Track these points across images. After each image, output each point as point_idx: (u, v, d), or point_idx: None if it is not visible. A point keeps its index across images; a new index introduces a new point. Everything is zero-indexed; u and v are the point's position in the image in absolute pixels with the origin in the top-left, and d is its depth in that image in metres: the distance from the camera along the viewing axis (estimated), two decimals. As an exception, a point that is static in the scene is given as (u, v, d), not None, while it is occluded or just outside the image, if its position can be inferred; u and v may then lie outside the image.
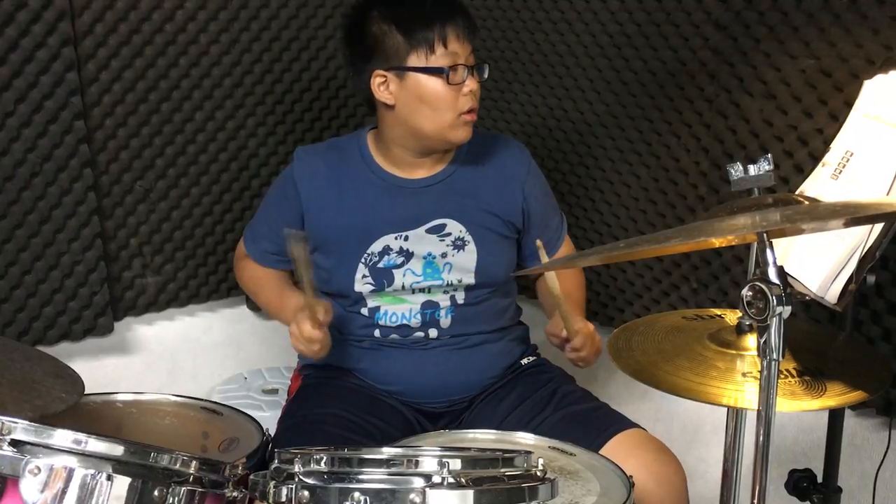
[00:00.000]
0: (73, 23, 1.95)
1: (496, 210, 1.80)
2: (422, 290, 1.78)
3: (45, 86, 1.94)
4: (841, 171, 1.47)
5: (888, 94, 1.48)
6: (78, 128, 1.99)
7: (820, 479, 1.60)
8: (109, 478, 1.10)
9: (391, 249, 1.76)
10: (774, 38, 1.80)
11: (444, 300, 1.79)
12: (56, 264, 2.04)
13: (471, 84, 1.68)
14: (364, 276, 1.77)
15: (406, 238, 1.76)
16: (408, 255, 1.77)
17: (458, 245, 1.78)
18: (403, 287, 1.77)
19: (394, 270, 1.77)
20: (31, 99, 1.93)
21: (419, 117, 1.69)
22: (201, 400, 1.76)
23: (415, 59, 1.66)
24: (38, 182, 1.98)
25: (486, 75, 1.73)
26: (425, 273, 1.77)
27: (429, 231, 1.77)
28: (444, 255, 1.77)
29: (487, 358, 1.82)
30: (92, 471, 1.10)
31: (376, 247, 1.76)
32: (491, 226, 1.80)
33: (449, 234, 1.78)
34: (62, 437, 1.11)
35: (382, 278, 1.77)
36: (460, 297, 1.80)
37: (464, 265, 1.78)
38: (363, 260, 1.76)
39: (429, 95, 1.67)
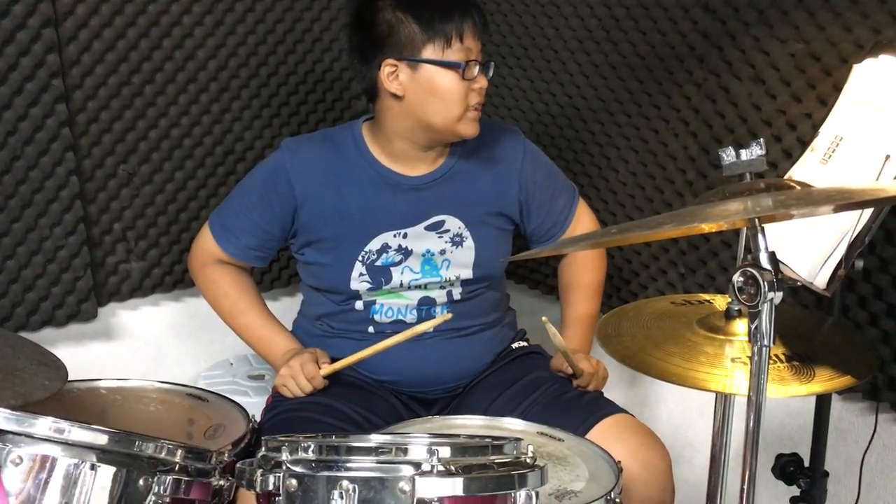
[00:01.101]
0: (54, 4, 1.91)
1: (493, 204, 1.79)
2: (419, 287, 1.76)
3: (25, 68, 1.90)
4: (830, 156, 1.46)
5: (878, 78, 1.47)
6: (59, 111, 1.96)
7: (807, 464, 1.61)
8: (93, 467, 1.09)
9: (389, 247, 1.74)
10: (763, 22, 1.79)
11: (440, 296, 1.78)
12: (39, 249, 2.01)
13: (481, 80, 1.67)
14: (361, 275, 1.74)
15: (405, 235, 1.74)
16: (406, 253, 1.75)
17: (457, 241, 1.76)
18: (401, 285, 1.75)
19: (392, 268, 1.75)
20: (11, 81, 1.89)
21: (429, 110, 1.66)
22: (186, 386, 1.75)
23: (430, 52, 1.63)
24: (20, 166, 1.95)
25: (491, 73, 1.70)
26: (423, 270, 1.75)
27: (428, 228, 1.75)
28: (442, 252, 1.76)
29: (481, 345, 1.83)
30: (76, 460, 1.09)
31: (374, 244, 1.74)
32: (488, 220, 1.79)
33: (447, 231, 1.76)
34: (45, 425, 1.10)
35: (380, 276, 1.75)
36: (456, 292, 1.79)
37: (462, 261, 1.77)
38: (360, 258, 1.74)
39: (441, 89, 1.64)
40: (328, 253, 1.76)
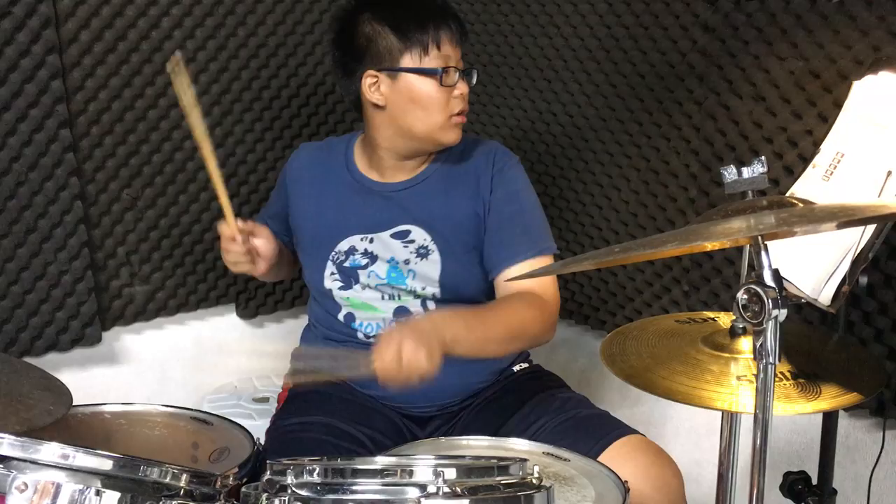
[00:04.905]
0: (57, 30, 1.93)
1: (463, 220, 1.75)
2: (391, 297, 1.76)
3: (30, 94, 1.92)
4: (832, 173, 1.47)
5: (878, 95, 1.48)
6: (63, 136, 1.97)
7: (815, 482, 1.60)
8: (98, 493, 1.08)
9: (356, 250, 1.77)
10: (763, 40, 1.80)
11: (415, 306, 1.76)
12: (43, 274, 2.02)
13: (461, 87, 1.69)
14: (332, 273, 1.79)
15: (371, 240, 1.77)
16: (372, 258, 1.77)
17: (422, 253, 1.75)
18: (370, 286, 1.75)
19: (359, 271, 1.77)
20: (16, 107, 1.91)
21: (410, 118, 1.69)
22: (191, 410, 1.74)
23: (408, 60, 1.66)
24: (24, 191, 1.96)
25: (475, 80, 1.73)
26: (389, 276, 1.76)
27: (393, 236, 1.76)
28: (406, 262, 1.75)
29: (473, 363, 1.77)
30: (80, 486, 1.08)
31: (343, 246, 1.78)
32: (459, 236, 1.75)
33: (413, 241, 1.76)
34: (49, 451, 1.09)
35: (349, 276, 1.78)
36: (432, 305, 1.77)
37: (427, 274, 1.75)
38: (331, 257, 1.78)
39: (421, 96, 1.67)
40: (306, 250, 1.83)
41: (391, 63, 1.67)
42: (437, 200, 1.76)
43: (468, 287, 1.77)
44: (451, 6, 1.74)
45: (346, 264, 1.77)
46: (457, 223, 1.76)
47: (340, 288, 1.78)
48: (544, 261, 1.71)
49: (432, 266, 1.75)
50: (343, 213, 1.78)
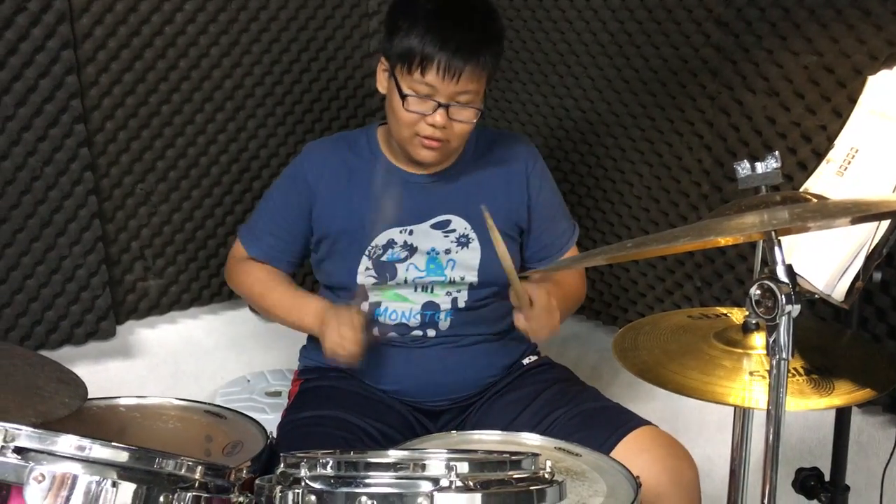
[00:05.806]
0: (72, 26, 1.94)
1: (502, 207, 1.78)
2: (424, 289, 1.77)
3: (44, 89, 1.93)
4: (847, 168, 1.46)
5: (892, 89, 1.47)
6: (78, 131, 1.98)
7: (827, 478, 1.60)
8: (114, 484, 1.10)
9: (395, 243, 1.76)
10: (776, 35, 1.79)
11: (445, 302, 1.77)
12: (57, 268, 2.03)
13: (436, 119, 1.62)
14: (367, 269, 1.76)
15: (411, 232, 1.76)
16: (412, 250, 1.76)
17: (463, 242, 1.77)
18: (406, 282, 1.75)
19: (397, 264, 1.76)
20: (31, 102, 1.92)
21: (390, 119, 1.71)
22: (204, 403, 1.75)
23: (398, 69, 1.64)
24: (39, 186, 1.97)
25: (466, 119, 1.64)
26: (428, 268, 1.76)
27: (433, 226, 1.77)
28: (447, 252, 1.76)
29: (485, 357, 1.81)
30: (97, 477, 1.09)
31: (380, 240, 1.75)
32: (497, 224, 1.77)
33: (454, 231, 1.77)
34: (66, 443, 1.10)
35: (385, 272, 1.76)
36: (462, 298, 1.78)
37: (467, 262, 1.77)
38: (367, 253, 1.76)
39: (394, 105, 1.66)
40: (337, 247, 1.79)
41: (391, 61, 1.66)
42: (474, 189, 1.78)
43: (502, 273, 1.76)
44: (464, 37, 1.62)
45: (384, 258, 1.75)
46: (496, 210, 1.72)
47: (375, 284, 1.76)
48: (575, 245, 1.90)
49: (472, 254, 1.77)
50: (378, 206, 1.75)
